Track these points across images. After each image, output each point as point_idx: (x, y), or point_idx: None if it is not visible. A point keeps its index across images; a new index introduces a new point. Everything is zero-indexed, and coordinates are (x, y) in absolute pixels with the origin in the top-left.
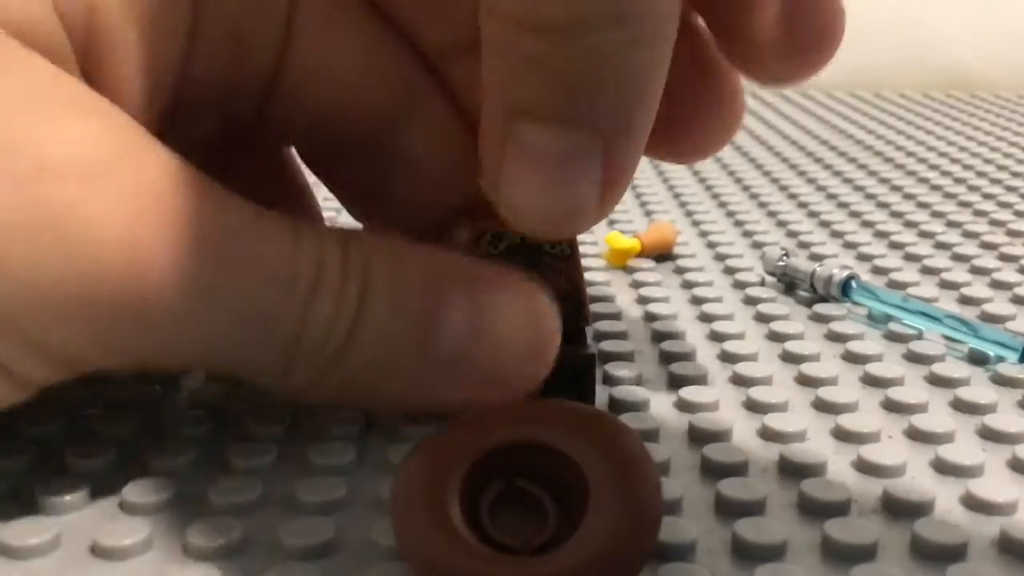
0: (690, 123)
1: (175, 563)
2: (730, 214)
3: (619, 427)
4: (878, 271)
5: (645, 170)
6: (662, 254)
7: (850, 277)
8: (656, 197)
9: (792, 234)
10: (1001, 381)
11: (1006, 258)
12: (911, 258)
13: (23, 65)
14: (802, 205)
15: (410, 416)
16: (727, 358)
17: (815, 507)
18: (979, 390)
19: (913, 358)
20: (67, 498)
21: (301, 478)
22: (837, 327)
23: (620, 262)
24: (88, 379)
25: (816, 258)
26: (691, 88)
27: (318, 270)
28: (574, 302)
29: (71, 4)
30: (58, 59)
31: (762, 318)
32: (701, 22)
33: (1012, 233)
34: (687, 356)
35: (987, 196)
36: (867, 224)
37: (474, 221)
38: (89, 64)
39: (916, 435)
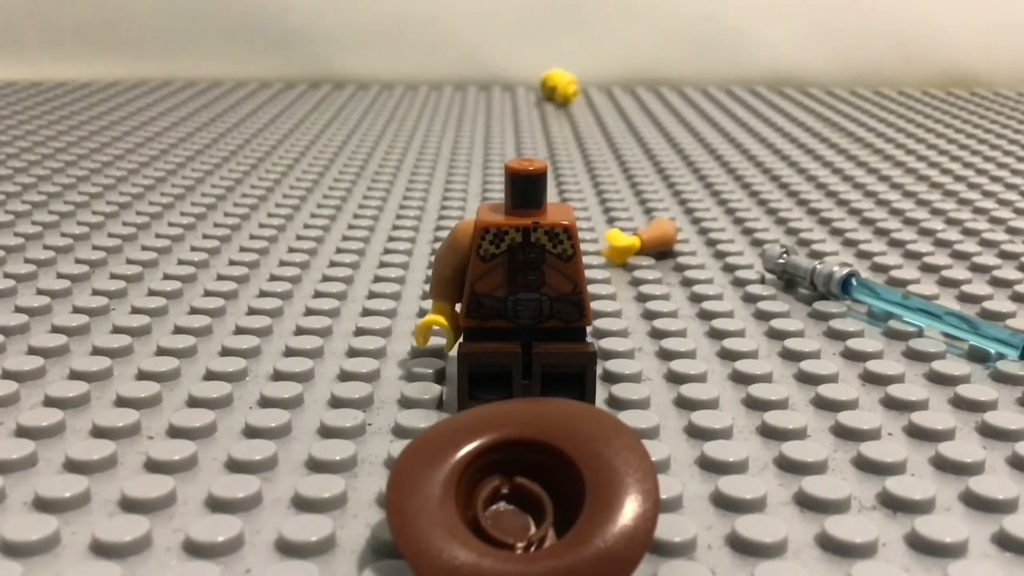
0: None
1: (174, 559)
2: (730, 211)
3: (617, 425)
4: (878, 268)
5: (644, 167)
6: (662, 251)
7: (850, 274)
8: (656, 195)
9: (792, 231)
10: (1001, 378)
11: (1006, 255)
12: (911, 255)
13: None
14: (802, 203)
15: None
16: (727, 355)
17: (815, 504)
18: (979, 387)
19: (913, 355)
20: (67, 495)
21: (301, 476)
22: (837, 324)
23: (620, 259)
24: (88, 376)
25: (816, 255)
26: None
27: None
28: (575, 302)
29: None
30: None
31: (762, 315)
32: None
33: (1012, 230)
34: (687, 354)
35: (987, 194)
36: (867, 222)
37: None
38: None
39: (916, 432)
